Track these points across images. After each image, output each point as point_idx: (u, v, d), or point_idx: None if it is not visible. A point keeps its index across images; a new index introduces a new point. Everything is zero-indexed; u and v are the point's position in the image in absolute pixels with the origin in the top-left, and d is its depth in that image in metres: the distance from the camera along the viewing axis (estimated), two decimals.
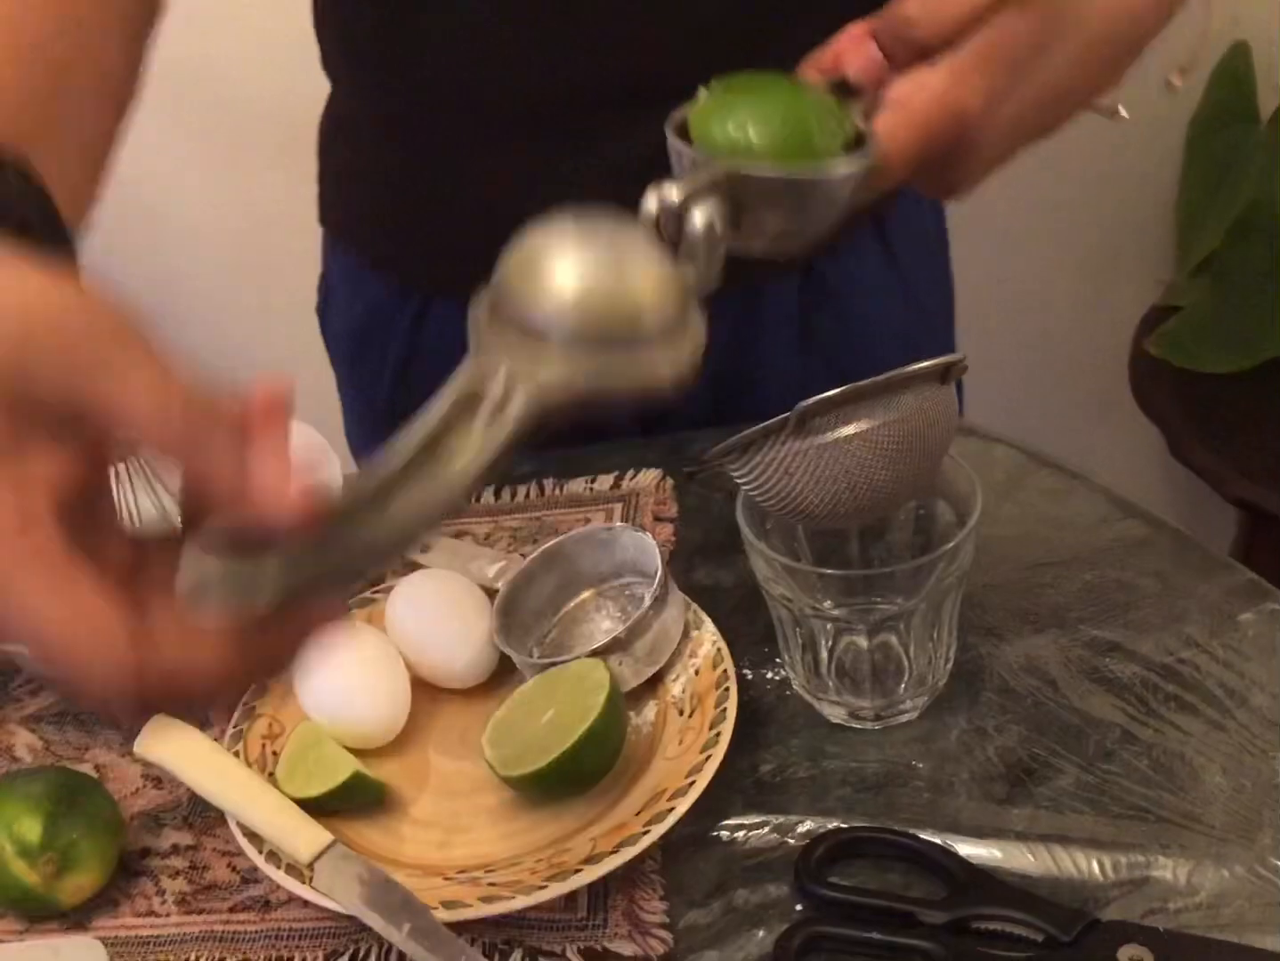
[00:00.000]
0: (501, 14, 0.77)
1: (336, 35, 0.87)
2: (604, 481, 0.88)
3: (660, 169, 0.49)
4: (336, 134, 0.94)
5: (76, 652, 0.36)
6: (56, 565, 0.36)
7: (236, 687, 0.41)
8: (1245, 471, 1.28)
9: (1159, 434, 1.40)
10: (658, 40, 0.77)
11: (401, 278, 0.92)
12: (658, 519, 0.84)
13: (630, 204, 0.45)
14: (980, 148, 0.53)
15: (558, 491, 0.87)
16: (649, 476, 0.87)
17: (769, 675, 0.73)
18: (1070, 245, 1.65)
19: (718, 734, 0.64)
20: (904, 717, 0.69)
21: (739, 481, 0.65)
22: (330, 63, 0.90)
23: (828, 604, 0.65)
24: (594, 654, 0.67)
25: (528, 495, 0.87)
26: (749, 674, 0.73)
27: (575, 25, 0.75)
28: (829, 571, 0.65)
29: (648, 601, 0.68)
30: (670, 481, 0.87)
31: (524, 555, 0.76)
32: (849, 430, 0.61)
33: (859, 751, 0.68)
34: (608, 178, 0.60)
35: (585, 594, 0.74)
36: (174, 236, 1.69)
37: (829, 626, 0.66)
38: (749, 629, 0.75)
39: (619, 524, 0.73)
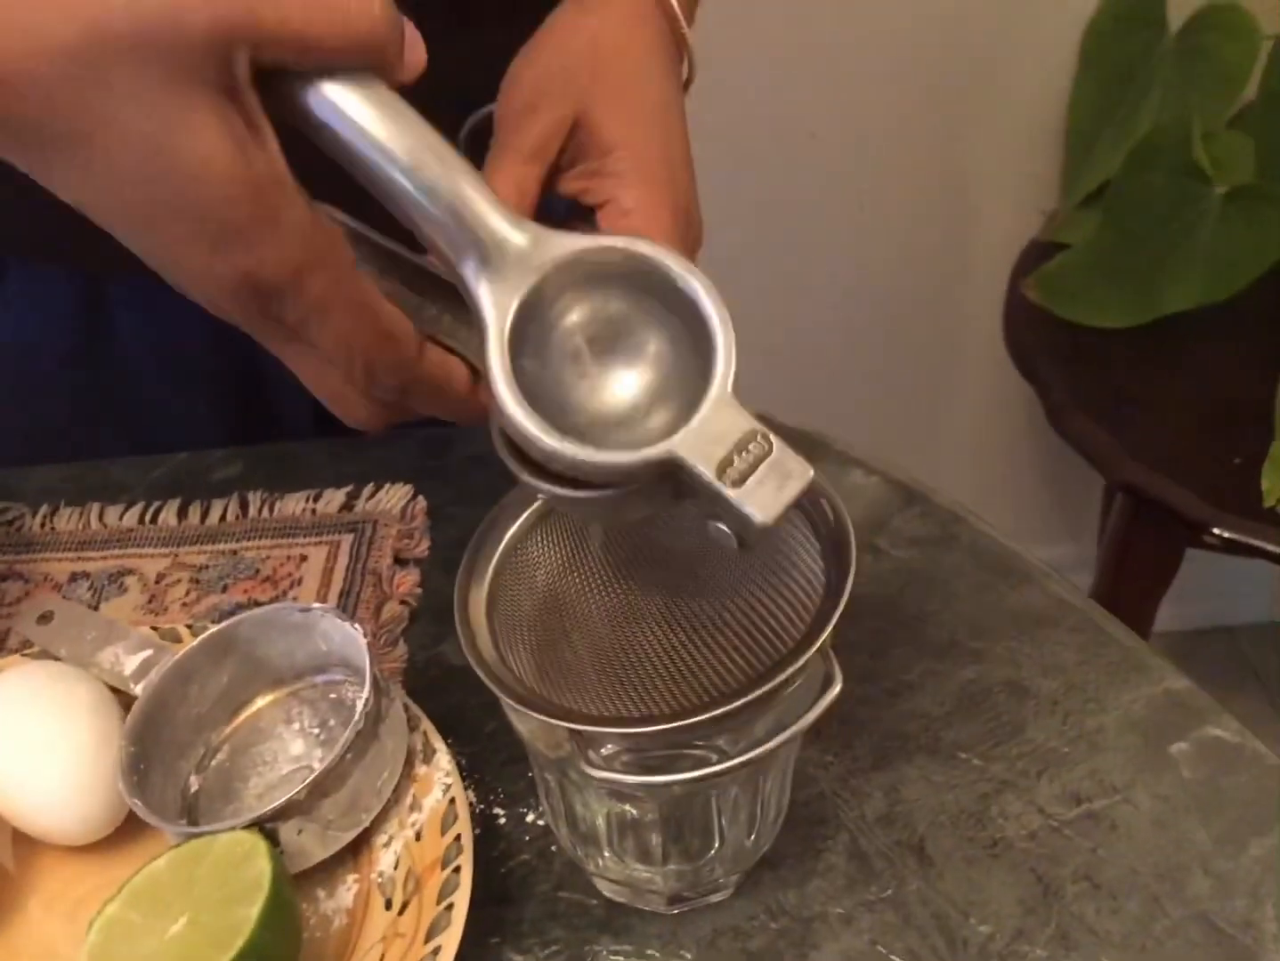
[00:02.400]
0: None
1: None
2: (331, 499, 0.65)
3: None
4: None
5: (370, 349, 0.42)
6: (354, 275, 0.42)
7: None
8: (1135, 451, 1.10)
9: (1035, 397, 1.21)
10: None
11: None
12: (400, 560, 0.62)
13: None
14: (694, 210, 0.54)
15: (266, 512, 0.64)
16: (394, 494, 0.65)
17: (530, 817, 0.52)
18: (937, 162, 1.43)
19: (437, 951, 0.43)
20: (711, 900, 0.49)
21: None
22: None
23: (604, 751, 0.44)
24: (256, 823, 0.45)
25: (224, 516, 0.64)
26: (502, 816, 0.52)
27: None
28: (605, 731, 0.43)
29: (346, 739, 0.46)
30: (423, 502, 0.65)
31: (186, 629, 0.53)
32: None
33: (645, 950, 0.48)
34: None
35: (270, 696, 0.52)
36: None
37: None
38: (510, 739, 0.54)
39: (317, 606, 0.50)
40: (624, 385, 0.41)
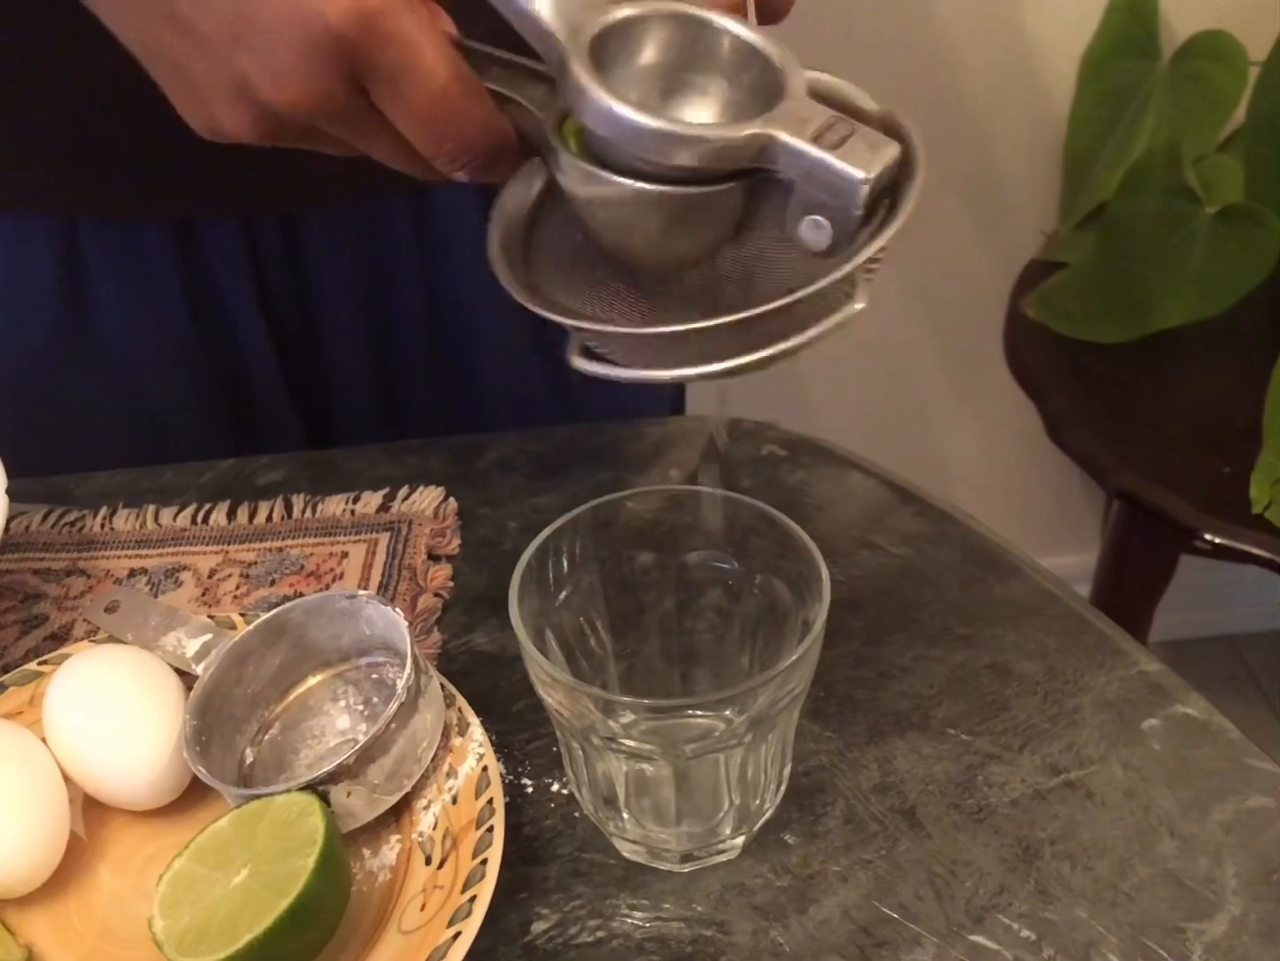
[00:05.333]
0: None
1: None
2: (369, 501, 0.70)
3: None
4: None
5: (457, 105, 0.45)
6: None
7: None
8: (1130, 461, 1.14)
9: (1035, 410, 1.26)
10: None
11: None
12: (433, 557, 0.67)
13: None
14: None
15: (309, 513, 0.69)
16: (428, 496, 0.70)
17: (555, 786, 0.57)
18: (942, 186, 1.49)
19: (473, 899, 0.48)
20: (720, 859, 0.53)
21: None
22: None
23: (623, 720, 0.49)
24: (309, 786, 0.50)
25: (270, 517, 0.69)
26: (529, 786, 0.57)
27: None
28: (623, 699, 0.48)
29: (390, 710, 0.51)
30: (454, 504, 0.70)
31: (239, 617, 0.58)
32: None
33: (661, 904, 0.52)
34: None
35: (319, 677, 0.57)
36: None
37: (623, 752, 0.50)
38: (536, 717, 0.59)
39: (362, 593, 0.55)
40: (697, 109, 0.43)
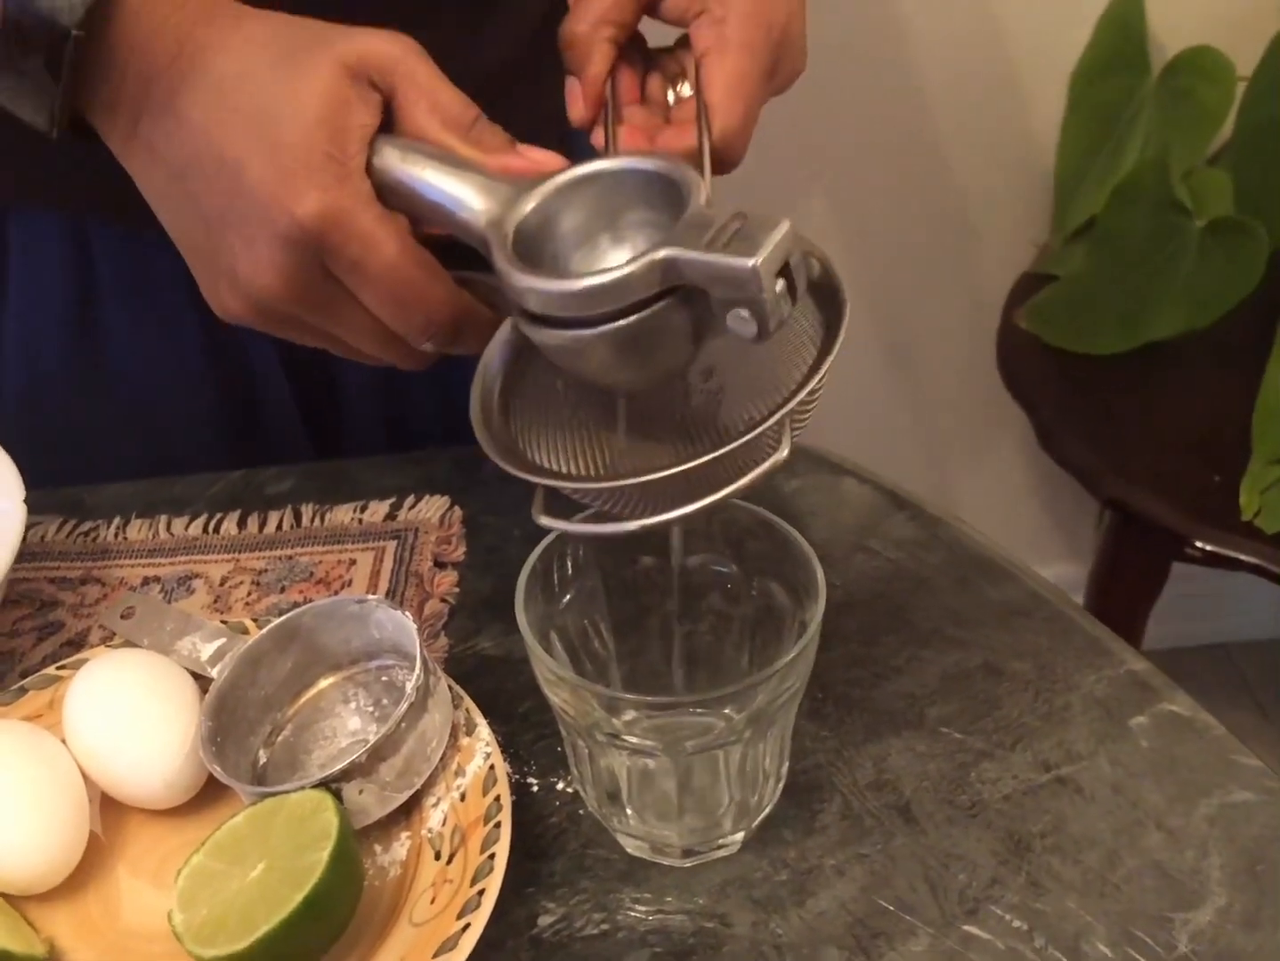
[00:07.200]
0: None
1: None
2: (376, 510, 0.72)
3: None
4: None
5: (418, 285, 0.50)
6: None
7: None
8: (1121, 470, 1.16)
9: (1027, 420, 1.28)
10: None
11: None
12: (439, 563, 0.68)
13: None
14: (794, 33, 0.57)
15: (318, 521, 0.71)
16: (433, 505, 0.72)
17: (560, 785, 0.58)
18: (937, 201, 1.51)
19: (481, 892, 0.50)
20: (720, 854, 0.55)
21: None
22: None
23: (626, 718, 0.51)
24: (323, 783, 0.51)
25: (280, 526, 0.71)
26: (535, 785, 0.58)
27: None
28: (626, 696, 0.50)
29: (400, 710, 0.52)
30: (459, 512, 0.71)
31: (252, 622, 0.60)
32: None
33: (663, 897, 0.54)
34: None
35: (330, 679, 0.59)
36: None
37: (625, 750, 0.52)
38: (541, 718, 0.60)
39: (372, 597, 0.57)
40: (627, 248, 0.48)
